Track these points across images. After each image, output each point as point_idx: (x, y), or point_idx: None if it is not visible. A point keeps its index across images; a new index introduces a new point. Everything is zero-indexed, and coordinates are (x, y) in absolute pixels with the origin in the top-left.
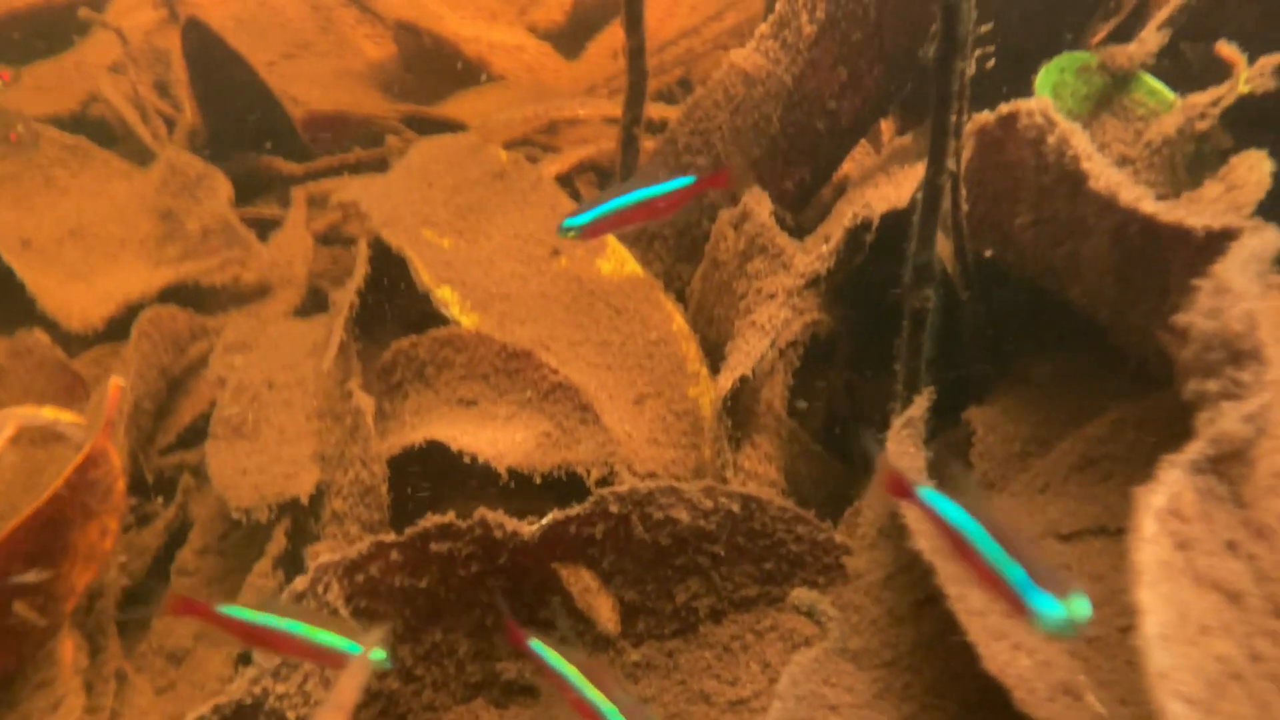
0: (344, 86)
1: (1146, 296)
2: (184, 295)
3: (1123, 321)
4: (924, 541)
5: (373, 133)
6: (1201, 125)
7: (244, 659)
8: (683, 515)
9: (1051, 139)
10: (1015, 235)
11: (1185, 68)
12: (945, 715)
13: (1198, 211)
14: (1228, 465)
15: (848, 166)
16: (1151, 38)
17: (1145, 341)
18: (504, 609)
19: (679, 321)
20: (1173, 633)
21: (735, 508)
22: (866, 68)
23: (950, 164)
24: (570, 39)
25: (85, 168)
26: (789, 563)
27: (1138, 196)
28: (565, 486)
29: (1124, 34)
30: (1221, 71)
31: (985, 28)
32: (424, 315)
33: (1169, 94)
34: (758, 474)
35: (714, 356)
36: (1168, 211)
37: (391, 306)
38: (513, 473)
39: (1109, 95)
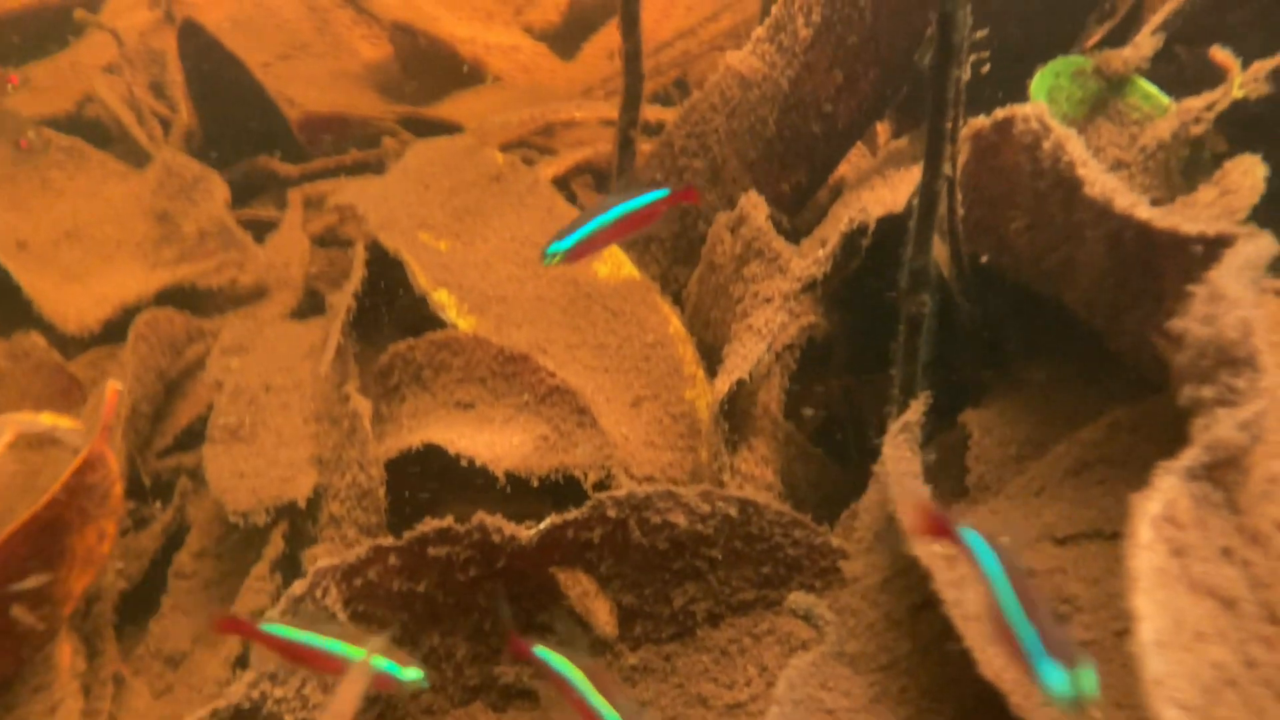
0: (340, 87)
1: (1141, 302)
2: (180, 297)
3: (1118, 326)
4: (921, 548)
5: (369, 134)
6: (1196, 130)
7: (241, 662)
8: (680, 519)
9: (1047, 145)
10: (1010, 240)
11: (1180, 71)
12: (942, 719)
13: (1192, 218)
14: (1223, 472)
15: (844, 169)
16: (1146, 42)
17: (1140, 346)
18: (506, 619)
19: (676, 324)
20: (1169, 639)
21: (732, 512)
22: (862, 71)
23: (946, 169)
24: (566, 40)
25: (81, 169)
26: (786, 566)
27: (1132, 203)
28: (562, 489)
29: (1119, 37)
30: (1216, 75)
31: (980, 33)
32: (421, 318)
33: (1164, 98)
34: (754, 477)
35: (710, 359)
36: (1162, 218)
37: (388, 309)
38: (510, 476)
39: (1104, 99)
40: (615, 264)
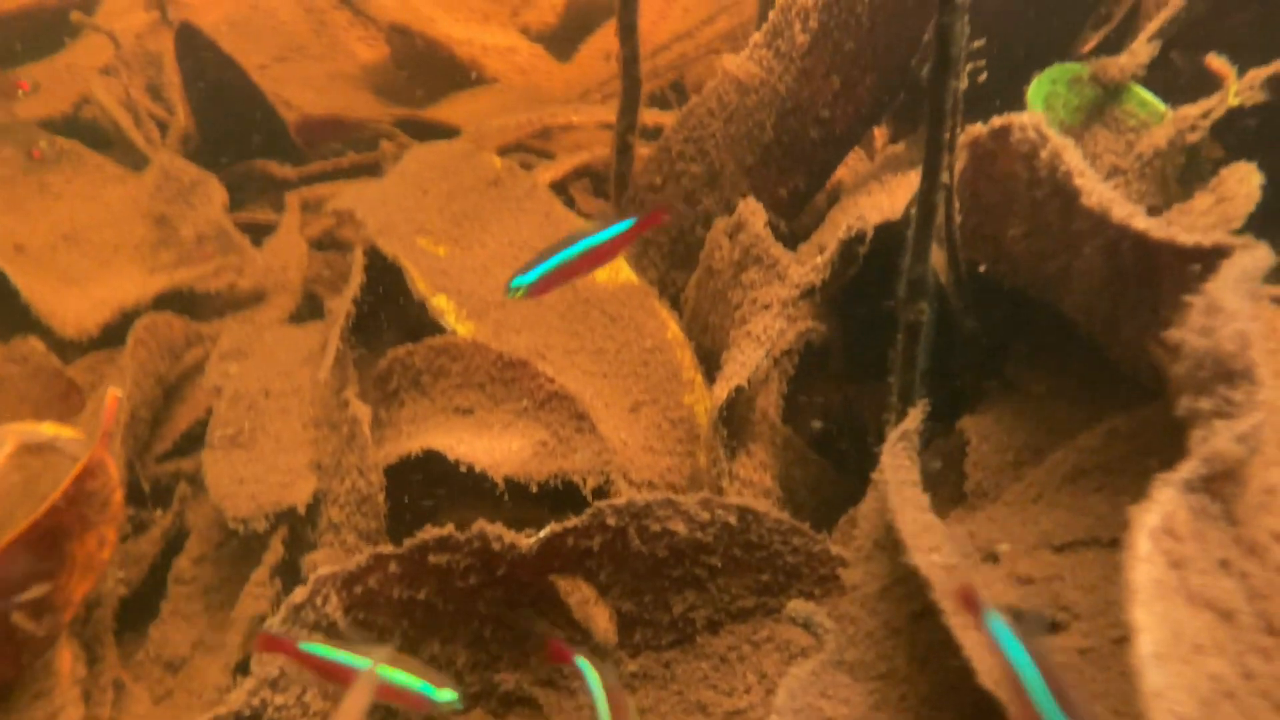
0: (337, 89)
1: (1138, 311)
2: (179, 301)
3: (1115, 334)
4: (920, 557)
5: (366, 136)
6: (1192, 137)
7: (241, 668)
8: (680, 527)
9: (1044, 154)
10: (1008, 247)
11: (1175, 77)
12: None
13: (1189, 228)
14: (1220, 484)
15: (842, 172)
16: (1142, 49)
17: (1137, 354)
18: (545, 629)
19: (674, 329)
20: (1167, 651)
21: (732, 520)
22: (859, 77)
23: (944, 178)
24: (563, 41)
25: (79, 172)
26: (785, 574)
27: (1129, 213)
28: (561, 494)
29: (1114, 42)
30: (1211, 80)
31: (978, 43)
32: (420, 323)
33: (1160, 105)
34: (753, 482)
35: (709, 364)
36: (1159, 228)
37: (387, 314)
38: (509, 482)
39: (1100, 106)
40: (613, 269)
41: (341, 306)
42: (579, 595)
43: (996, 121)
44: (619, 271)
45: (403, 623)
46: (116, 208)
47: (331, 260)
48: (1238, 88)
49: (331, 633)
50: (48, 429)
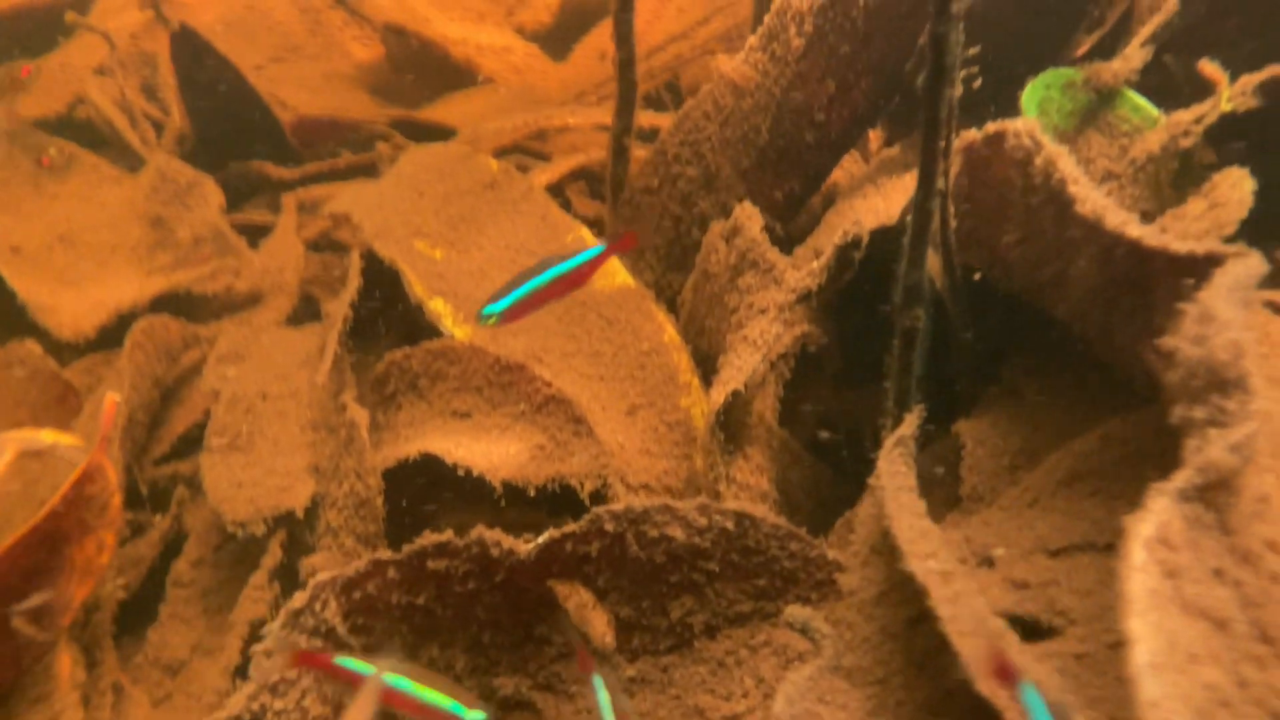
0: (332, 89)
1: (1132, 318)
2: (175, 303)
3: (1109, 340)
4: (916, 563)
5: (362, 137)
6: (1185, 143)
7: (240, 672)
8: (677, 533)
9: (1038, 160)
10: (1003, 252)
11: (1169, 80)
12: None
13: (1183, 235)
14: (1215, 494)
15: (837, 175)
16: (1135, 54)
17: (1132, 360)
18: (575, 639)
19: (670, 332)
20: (1163, 661)
21: (729, 525)
22: (854, 80)
23: (940, 184)
24: (558, 40)
25: (74, 173)
26: (782, 579)
27: (1123, 221)
28: (559, 498)
29: (1108, 46)
30: (1205, 84)
31: (973, 50)
32: (417, 327)
33: (1153, 110)
34: (750, 486)
35: (705, 367)
36: (1153, 236)
37: (384, 318)
38: (506, 485)
39: (1094, 111)
40: (610, 271)
41: (339, 310)
42: (577, 600)
43: (991, 127)
44: (615, 274)
45: (401, 628)
46: (113, 209)
47: (328, 262)
48: (1230, 93)
49: (330, 638)
50: (47, 436)
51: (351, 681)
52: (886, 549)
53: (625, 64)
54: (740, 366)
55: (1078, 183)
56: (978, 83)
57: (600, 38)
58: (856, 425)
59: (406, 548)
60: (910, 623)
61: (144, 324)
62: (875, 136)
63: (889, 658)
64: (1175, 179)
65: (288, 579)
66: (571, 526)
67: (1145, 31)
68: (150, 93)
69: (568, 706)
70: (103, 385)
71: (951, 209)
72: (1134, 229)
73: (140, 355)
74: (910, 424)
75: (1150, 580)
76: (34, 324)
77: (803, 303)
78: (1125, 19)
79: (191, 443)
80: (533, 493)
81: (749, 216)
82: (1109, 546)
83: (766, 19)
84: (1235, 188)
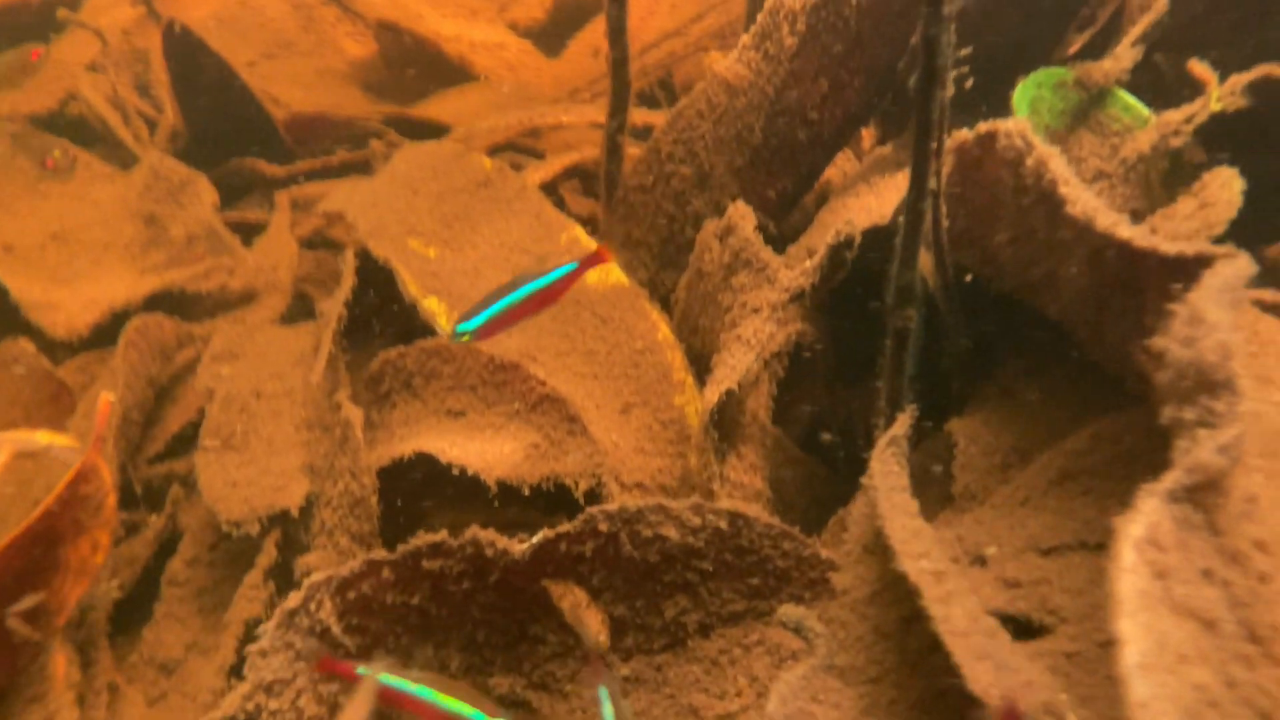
0: (326, 86)
1: (1123, 318)
2: (169, 301)
3: (1099, 340)
4: (909, 563)
5: (355, 134)
6: (1175, 142)
7: (235, 671)
8: (671, 533)
9: (1029, 161)
10: (994, 252)
11: (1159, 79)
12: None
13: (1173, 235)
14: (1203, 494)
15: (830, 172)
16: (1126, 54)
17: (1122, 359)
18: (590, 645)
19: (664, 330)
20: (1152, 662)
21: (723, 525)
22: (847, 79)
23: (932, 185)
24: (551, 36)
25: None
26: (775, 578)
27: (1114, 222)
28: (553, 496)
29: (1100, 44)
30: (1194, 83)
31: (964, 51)
32: (411, 325)
33: (1143, 110)
34: (744, 484)
35: (699, 365)
36: (1143, 238)
37: (379, 317)
38: (501, 484)
39: (1085, 110)
40: (603, 270)
41: (333, 309)
42: (572, 600)
43: (983, 127)
44: (609, 273)
45: (396, 627)
46: (106, 207)
47: (322, 259)
48: (1219, 93)
49: (325, 638)
50: (42, 437)
51: (385, 697)
52: (879, 548)
53: (619, 62)
54: (734, 365)
55: (1068, 183)
56: (969, 82)
57: (594, 34)
58: (850, 423)
59: (401, 548)
60: (903, 622)
61: (137, 323)
62: (868, 135)
63: (882, 657)
64: (1166, 178)
65: (283, 578)
66: (566, 526)
67: (1136, 31)
68: (143, 89)
69: (562, 705)
70: (96, 384)
71: (944, 208)
72: (1124, 230)
73: (134, 354)
74: (903, 423)
75: (1140, 581)
76: (27, 322)
77: (796, 301)
78: (1116, 18)
79: (186, 441)
80: (527, 491)
81: (742, 215)
82: (1100, 545)
83: (759, 18)
84: (1225, 187)
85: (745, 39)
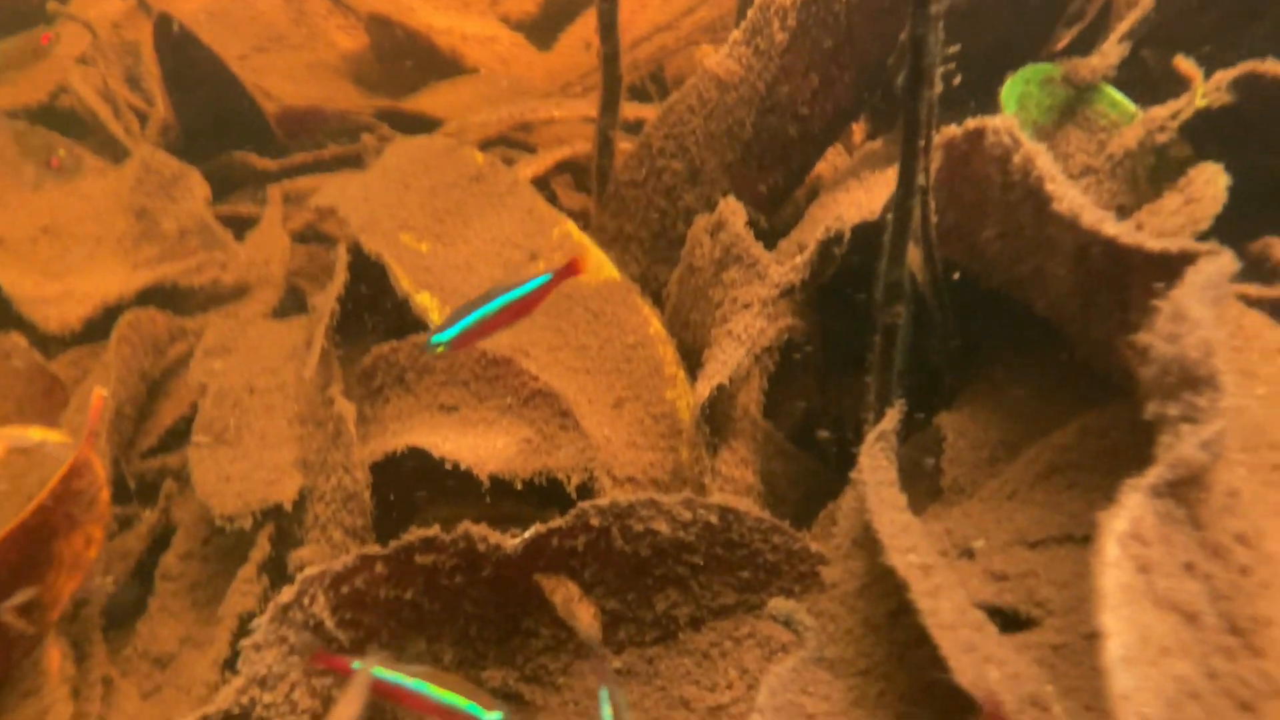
0: (317, 79)
1: (1109, 313)
2: (161, 295)
3: (1086, 335)
4: (897, 558)
5: (347, 127)
6: (1161, 138)
7: (229, 664)
8: (662, 527)
9: (1017, 158)
10: (982, 247)
11: (1146, 74)
12: None
13: (1158, 231)
14: (1186, 489)
15: (821, 167)
16: (1112, 50)
17: (1108, 354)
18: (591, 645)
19: (656, 325)
20: (1135, 655)
21: (713, 519)
22: (838, 75)
23: (920, 182)
24: (543, 29)
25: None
26: (766, 571)
27: (1099, 219)
28: (546, 490)
29: (1088, 37)
30: (1181, 78)
31: (953, 48)
32: (404, 320)
33: (1130, 105)
34: (735, 478)
35: (690, 360)
36: (1128, 234)
37: (371, 311)
38: (494, 478)
39: (1072, 106)
40: (595, 265)
41: (326, 304)
42: (564, 593)
43: (971, 124)
44: (601, 267)
45: (390, 622)
46: (97, 200)
47: (314, 253)
48: (1204, 89)
49: (319, 632)
50: (35, 434)
51: (378, 690)
52: (868, 542)
53: (610, 58)
54: (725, 361)
55: (1055, 181)
56: (957, 79)
57: (585, 27)
58: (840, 416)
59: (394, 543)
60: (892, 615)
61: (130, 317)
62: (858, 129)
63: (871, 649)
64: (1152, 174)
65: (276, 572)
66: (558, 522)
67: (1123, 27)
68: (133, 82)
69: (555, 698)
70: (89, 378)
71: (932, 204)
72: (1110, 227)
73: (127, 349)
74: (891, 419)
75: (1123, 575)
76: (19, 317)
77: (786, 297)
78: (1104, 13)
79: (179, 436)
80: (520, 486)
81: (733, 211)
82: (1086, 538)
83: (750, 13)
84: (1210, 184)
85: (736, 34)
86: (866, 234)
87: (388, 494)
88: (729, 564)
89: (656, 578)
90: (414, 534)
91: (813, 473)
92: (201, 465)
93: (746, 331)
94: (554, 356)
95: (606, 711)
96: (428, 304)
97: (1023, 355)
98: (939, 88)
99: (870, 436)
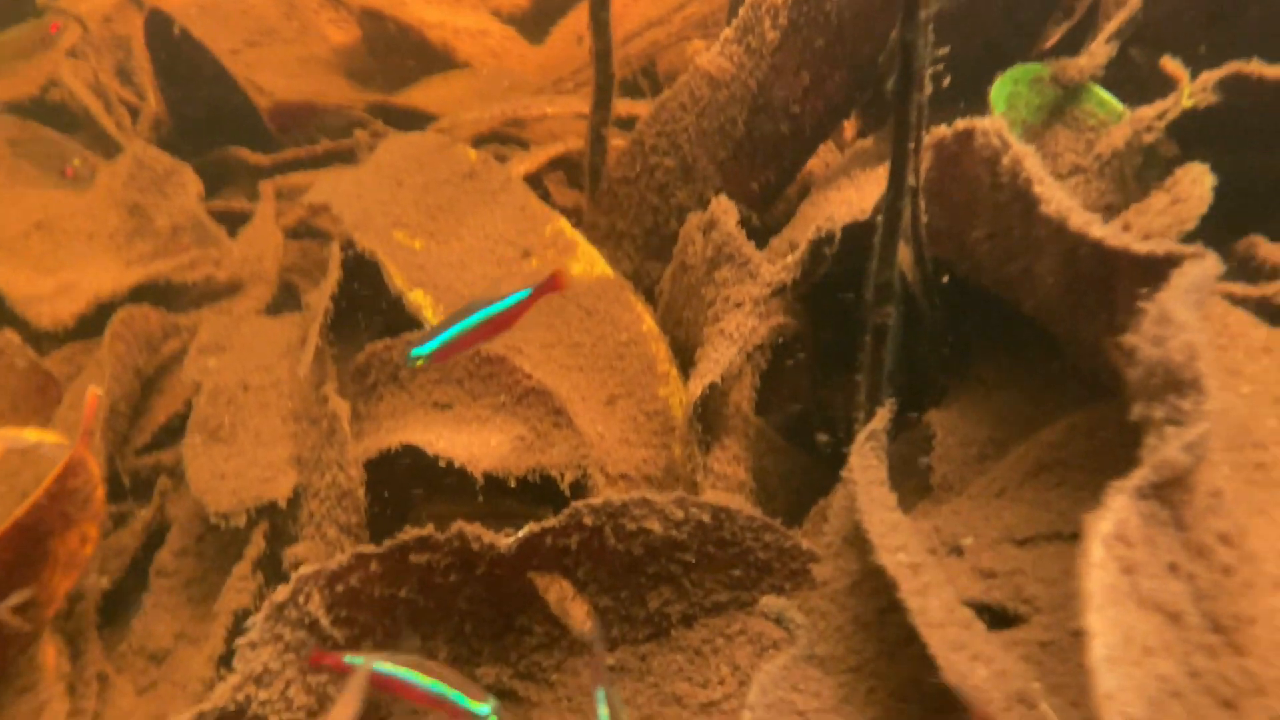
0: (309, 74)
1: (1096, 313)
2: (154, 292)
3: (1073, 335)
4: (887, 556)
5: (340, 122)
6: (1148, 138)
7: (225, 661)
8: (655, 526)
9: (1006, 160)
10: (972, 248)
11: (1135, 73)
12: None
13: (1144, 232)
14: (1170, 491)
15: (813, 164)
16: (1101, 50)
17: (1095, 353)
18: (596, 649)
19: (649, 322)
20: (1119, 655)
21: (705, 518)
22: (829, 73)
23: (910, 183)
24: (534, 23)
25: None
26: (757, 569)
27: (1086, 221)
28: (539, 488)
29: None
30: (1168, 78)
31: (943, 50)
32: (398, 317)
33: (1118, 105)
34: (727, 475)
35: (683, 357)
36: (1115, 236)
37: (365, 309)
38: (487, 475)
39: (1061, 106)
40: (589, 262)
41: (320, 302)
42: (557, 591)
43: (960, 125)
44: (594, 265)
45: (384, 619)
46: (89, 196)
47: (307, 248)
48: (1191, 90)
49: (314, 630)
50: (30, 435)
51: (375, 683)
52: (858, 541)
53: (602, 55)
54: (717, 360)
55: (1043, 183)
56: (946, 80)
57: (577, 20)
58: (831, 414)
59: (388, 542)
60: (881, 613)
61: (123, 315)
62: (850, 127)
63: (861, 646)
64: (1140, 173)
65: (271, 569)
66: (551, 520)
67: (1111, 26)
68: (124, 77)
69: (548, 694)
70: (83, 375)
71: (922, 204)
72: (1097, 229)
73: (120, 345)
74: (881, 418)
75: (1108, 576)
76: (12, 313)
77: (778, 296)
78: (1093, 12)
79: (173, 432)
80: (513, 483)
81: (725, 210)
82: (1074, 536)
83: (741, 11)
84: (1196, 183)
85: (728, 32)
86: (857, 234)
87: (382, 491)
88: (721, 562)
89: (649, 576)
90: (409, 533)
91: (804, 468)
92: (196, 462)
93: (739, 330)
94: (547, 354)
95: (603, 710)
96: (421, 301)
97: (1012, 355)
98: (929, 90)
99: (861, 436)
